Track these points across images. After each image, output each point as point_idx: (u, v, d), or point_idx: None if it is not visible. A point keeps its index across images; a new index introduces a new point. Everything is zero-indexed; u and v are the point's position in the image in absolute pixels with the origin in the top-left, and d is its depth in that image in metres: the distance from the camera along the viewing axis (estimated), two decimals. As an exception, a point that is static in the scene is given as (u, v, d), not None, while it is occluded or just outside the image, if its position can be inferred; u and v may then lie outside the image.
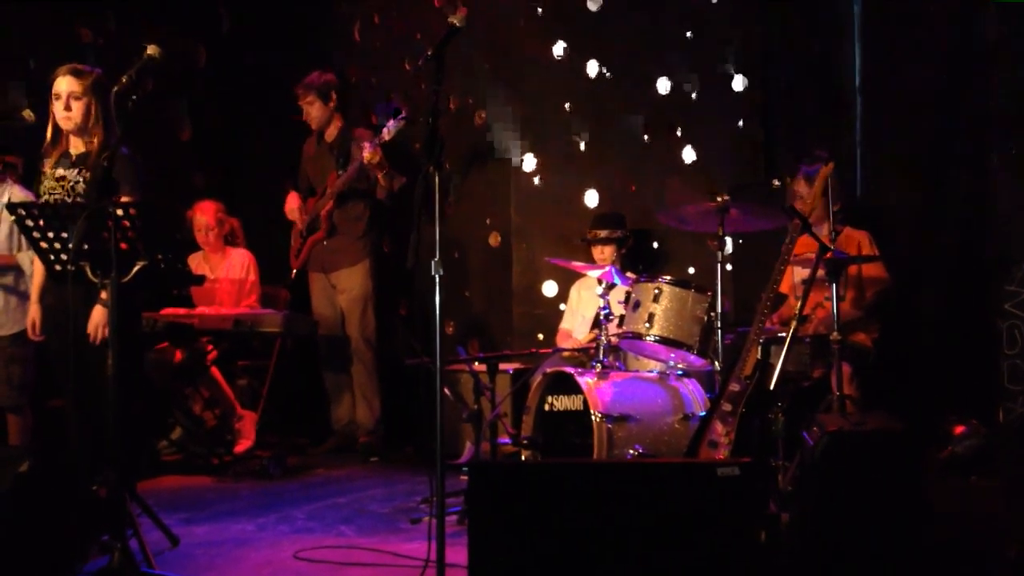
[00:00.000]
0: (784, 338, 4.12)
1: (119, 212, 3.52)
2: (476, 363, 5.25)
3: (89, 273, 3.59)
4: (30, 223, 3.66)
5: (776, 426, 4.03)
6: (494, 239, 6.48)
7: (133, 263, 3.59)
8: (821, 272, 4.35)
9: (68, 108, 4.27)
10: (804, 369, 4.56)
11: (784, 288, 5.09)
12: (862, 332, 4.95)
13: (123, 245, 3.55)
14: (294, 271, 6.32)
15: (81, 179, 4.27)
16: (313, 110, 6.21)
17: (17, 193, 5.14)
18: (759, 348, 4.17)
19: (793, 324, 4.10)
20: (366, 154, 5.80)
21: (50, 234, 3.67)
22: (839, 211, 4.93)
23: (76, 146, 4.35)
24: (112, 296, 3.52)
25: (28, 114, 4.51)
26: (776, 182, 5.61)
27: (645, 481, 3.16)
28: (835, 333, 4.28)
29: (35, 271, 4.57)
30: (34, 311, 4.53)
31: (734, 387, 4.19)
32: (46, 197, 4.28)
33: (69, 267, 3.63)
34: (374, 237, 6.28)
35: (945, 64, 5.44)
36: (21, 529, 3.35)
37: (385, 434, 6.22)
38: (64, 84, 4.27)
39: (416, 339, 5.11)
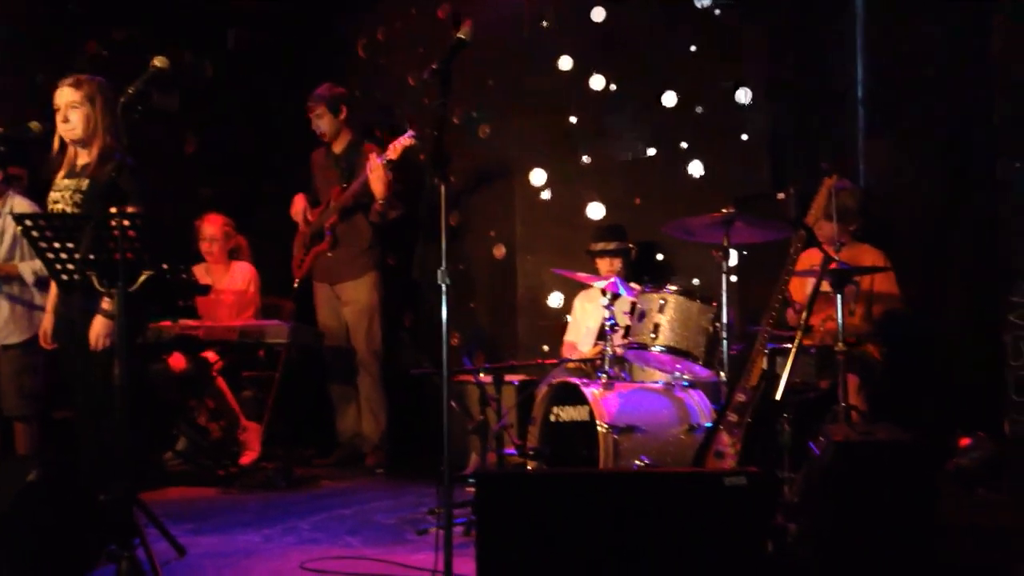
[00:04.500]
0: (790, 349, 4.12)
1: (125, 223, 3.53)
2: (482, 374, 5.25)
3: (96, 283, 3.59)
4: (36, 233, 3.68)
5: (783, 437, 4.02)
6: (499, 251, 6.50)
7: (139, 273, 3.60)
8: (830, 286, 4.35)
9: (67, 119, 4.23)
10: (810, 380, 4.56)
11: (798, 300, 5.09)
12: (870, 344, 4.94)
13: (129, 255, 3.56)
14: (296, 281, 6.34)
15: (78, 189, 4.22)
16: (323, 123, 6.23)
17: (19, 203, 5.16)
18: (765, 359, 4.17)
19: (798, 335, 4.11)
20: (372, 176, 5.81)
21: (56, 244, 3.69)
22: (857, 229, 4.95)
23: (82, 157, 4.33)
24: (120, 306, 3.52)
25: (35, 125, 4.49)
26: (781, 194, 5.61)
27: (652, 491, 3.17)
28: (840, 344, 4.27)
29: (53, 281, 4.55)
30: (47, 321, 4.49)
31: (740, 397, 4.19)
32: (51, 207, 4.27)
33: (76, 277, 3.64)
34: (379, 250, 6.29)
35: (948, 76, 5.44)
36: (28, 538, 3.36)
37: (391, 445, 6.22)
38: (61, 96, 4.24)
39: (421, 351, 5.12)
